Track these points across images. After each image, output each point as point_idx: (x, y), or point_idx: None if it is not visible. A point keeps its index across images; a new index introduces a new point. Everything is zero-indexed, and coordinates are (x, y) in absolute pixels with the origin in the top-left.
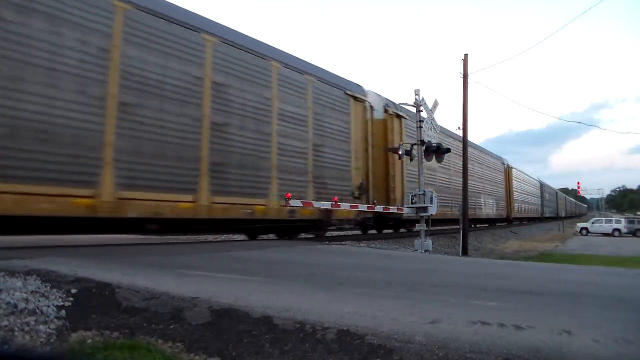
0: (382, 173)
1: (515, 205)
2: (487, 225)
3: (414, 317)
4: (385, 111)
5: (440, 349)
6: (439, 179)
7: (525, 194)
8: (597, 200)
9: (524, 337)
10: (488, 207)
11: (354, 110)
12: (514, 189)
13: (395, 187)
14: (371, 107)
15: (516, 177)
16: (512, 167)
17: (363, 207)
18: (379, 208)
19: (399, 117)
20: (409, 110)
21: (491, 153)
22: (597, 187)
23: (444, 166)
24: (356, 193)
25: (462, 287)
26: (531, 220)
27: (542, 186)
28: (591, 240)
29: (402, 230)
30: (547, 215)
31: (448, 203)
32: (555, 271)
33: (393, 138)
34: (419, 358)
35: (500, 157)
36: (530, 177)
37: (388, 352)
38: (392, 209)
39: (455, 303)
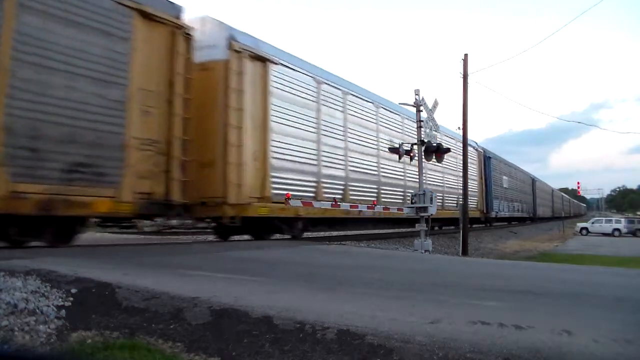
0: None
1: (351, 190)
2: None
3: (414, 317)
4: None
5: (440, 349)
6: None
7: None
8: (597, 200)
9: (524, 337)
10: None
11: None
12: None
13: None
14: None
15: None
16: (350, 93)
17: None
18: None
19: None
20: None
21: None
22: (597, 187)
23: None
24: None
25: (462, 287)
26: (447, 223)
27: (490, 161)
28: (591, 240)
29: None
30: (502, 214)
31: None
32: (555, 271)
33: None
34: (419, 358)
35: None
36: (447, 131)
37: (388, 352)
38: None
39: (455, 303)
